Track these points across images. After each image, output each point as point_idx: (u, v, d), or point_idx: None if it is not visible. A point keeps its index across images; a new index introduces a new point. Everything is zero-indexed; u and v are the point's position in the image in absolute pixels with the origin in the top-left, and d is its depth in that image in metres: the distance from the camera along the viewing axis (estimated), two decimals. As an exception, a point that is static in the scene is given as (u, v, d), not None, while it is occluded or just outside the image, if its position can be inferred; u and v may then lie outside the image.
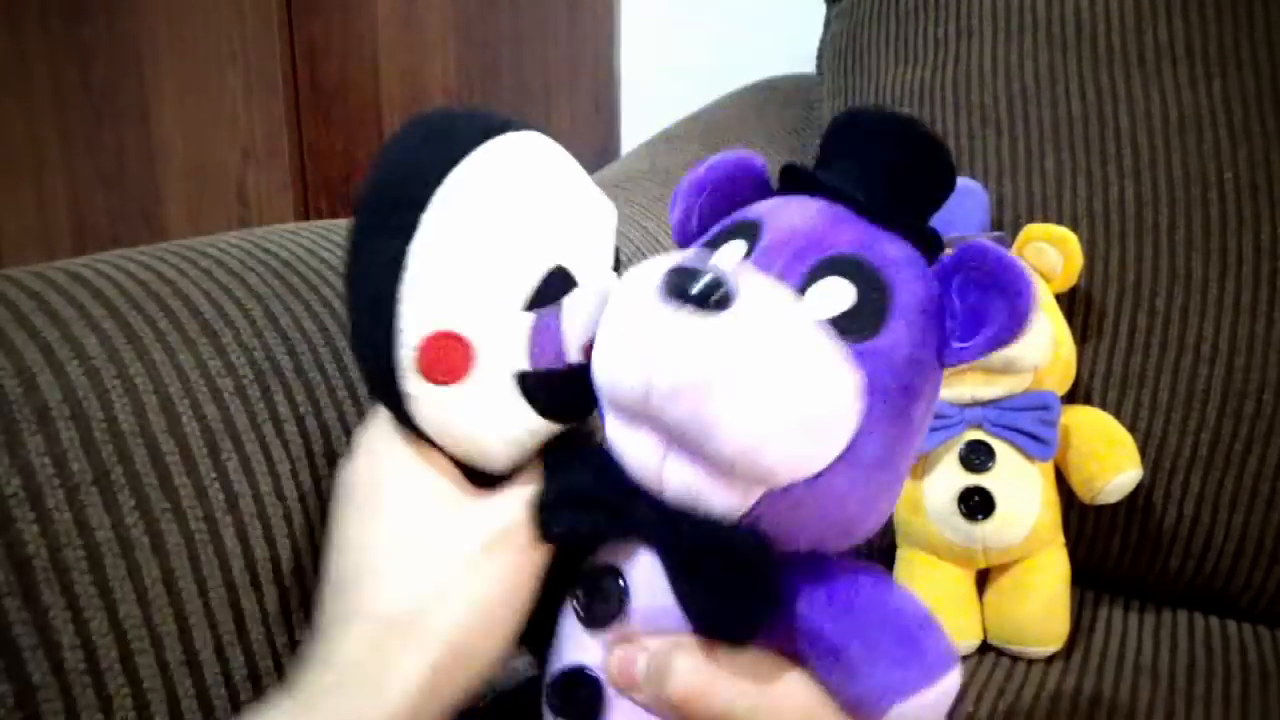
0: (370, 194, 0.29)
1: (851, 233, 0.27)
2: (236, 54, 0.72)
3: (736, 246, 0.28)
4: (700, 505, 0.26)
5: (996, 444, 0.52)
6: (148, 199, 0.80)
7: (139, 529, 0.29)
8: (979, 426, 0.52)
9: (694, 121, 0.82)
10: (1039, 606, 0.53)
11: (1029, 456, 0.52)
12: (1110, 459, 0.54)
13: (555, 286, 0.29)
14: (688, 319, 0.24)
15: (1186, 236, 0.57)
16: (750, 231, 0.28)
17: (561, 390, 0.29)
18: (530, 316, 0.28)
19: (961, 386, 0.52)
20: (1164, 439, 0.58)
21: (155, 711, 0.28)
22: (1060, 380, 0.56)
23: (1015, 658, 0.53)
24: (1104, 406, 0.58)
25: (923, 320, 0.26)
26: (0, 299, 0.30)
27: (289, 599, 0.32)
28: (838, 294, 0.26)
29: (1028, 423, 0.52)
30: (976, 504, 0.52)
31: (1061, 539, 0.55)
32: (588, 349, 0.28)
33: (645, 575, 0.28)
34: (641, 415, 0.25)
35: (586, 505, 0.28)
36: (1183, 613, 0.58)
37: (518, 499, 0.29)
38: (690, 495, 0.26)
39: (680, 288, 0.24)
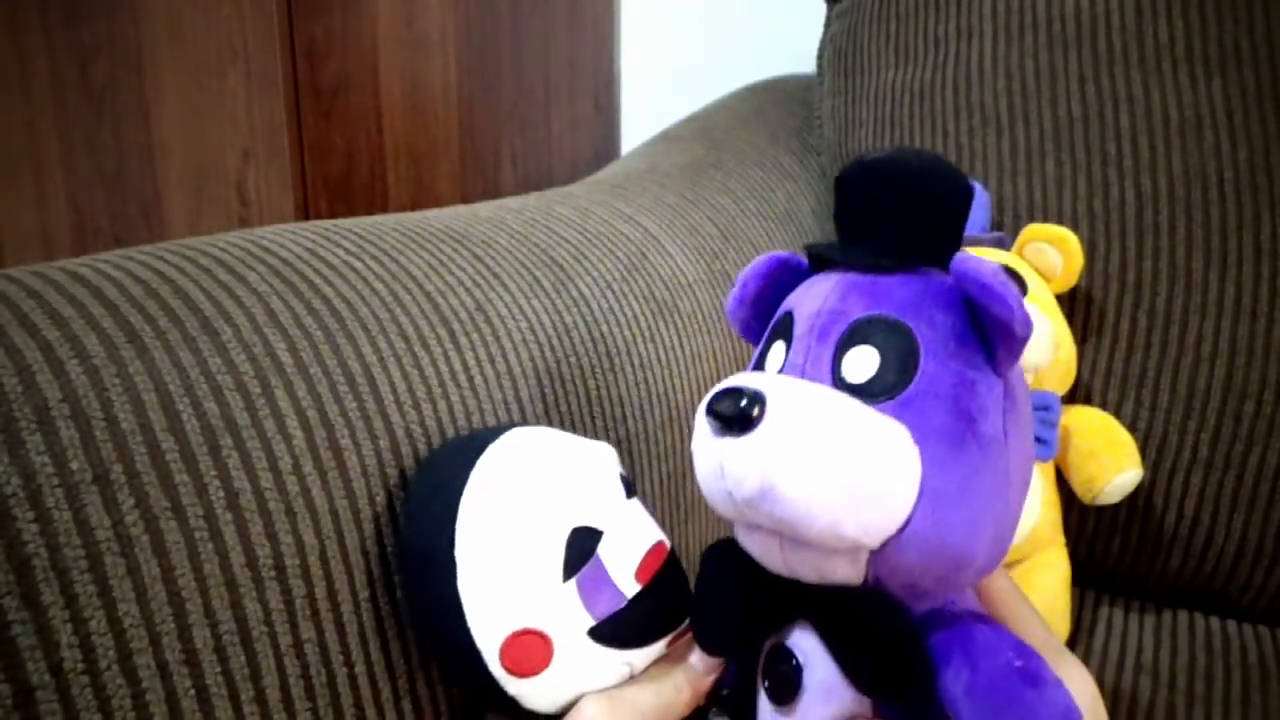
0: (406, 549, 0.34)
1: (862, 297, 0.29)
2: (236, 54, 0.72)
3: (779, 349, 0.30)
4: (829, 579, 0.28)
5: (997, 444, 0.52)
6: (148, 199, 0.80)
7: (138, 528, 0.29)
8: (979, 426, 0.52)
9: (694, 121, 0.82)
10: (1039, 606, 0.53)
11: (1029, 456, 0.52)
12: (1110, 459, 0.54)
13: (582, 543, 0.32)
14: (735, 442, 0.26)
15: (1186, 236, 0.58)
16: (786, 327, 0.31)
17: (634, 622, 0.32)
18: (572, 583, 0.32)
19: (962, 386, 0.52)
20: (1164, 439, 0.58)
21: (154, 711, 0.28)
22: (1060, 380, 0.56)
23: (1015, 658, 0.53)
24: (1104, 406, 0.58)
25: (957, 345, 0.28)
26: (0, 298, 0.30)
27: (291, 597, 0.32)
28: (863, 361, 0.28)
29: (1028, 423, 0.52)
30: (977, 504, 0.52)
31: (1062, 539, 0.55)
32: (639, 573, 0.32)
33: (815, 650, 0.29)
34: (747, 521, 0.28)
35: (733, 620, 0.31)
36: (1183, 613, 0.58)
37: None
38: (818, 574, 0.28)
39: (720, 416, 0.27)
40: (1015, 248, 0.57)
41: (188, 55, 0.74)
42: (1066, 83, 0.62)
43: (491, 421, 0.42)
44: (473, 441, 0.35)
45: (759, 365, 0.31)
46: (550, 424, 0.45)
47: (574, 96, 1.02)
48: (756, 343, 0.34)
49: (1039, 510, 0.53)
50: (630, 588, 0.32)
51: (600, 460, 0.35)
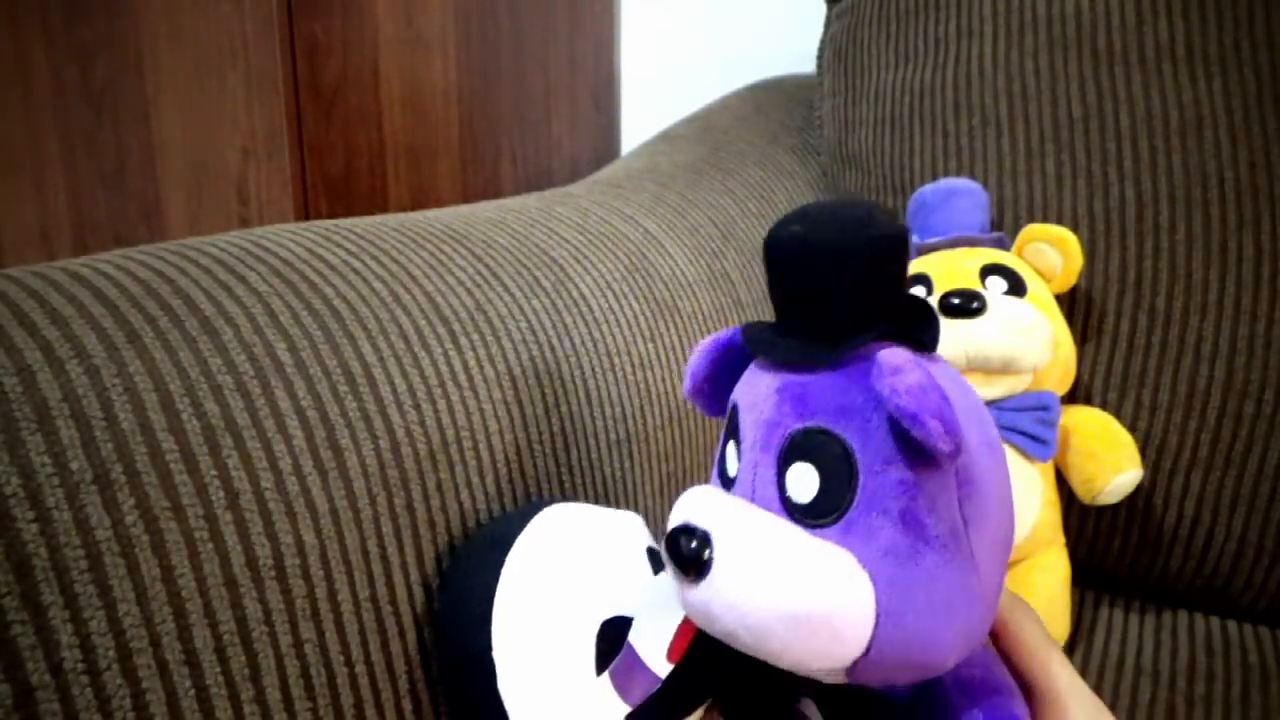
0: (443, 654, 0.36)
1: (796, 404, 0.28)
2: (236, 54, 0.72)
3: (733, 451, 0.30)
4: (813, 676, 0.28)
5: (997, 444, 0.52)
6: (148, 199, 0.80)
7: (139, 528, 0.29)
8: (979, 426, 0.52)
9: (694, 121, 0.82)
10: (1039, 607, 0.53)
11: (1028, 457, 0.52)
12: (1110, 459, 0.54)
13: (613, 634, 0.33)
14: (692, 588, 0.27)
15: (1186, 236, 0.57)
16: (734, 425, 0.30)
17: (669, 700, 0.33)
18: (605, 676, 0.32)
19: (961, 386, 0.52)
20: (1164, 439, 0.58)
21: (154, 711, 0.28)
22: (1060, 380, 0.56)
23: (1015, 658, 0.53)
24: (1104, 406, 0.58)
25: (896, 446, 0.26)
26: (0, 298, 0.30)
27: (291, 597, 0.32)
28: (805, 481, 0.27)
29: (1027, 423, 0.52)
30: (977, 504, 0.52)
31: (1062, 539, 0.55)
32: (670, 652, 0.32)
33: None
34: None
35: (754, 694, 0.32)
36: (1183, 613, 0.58)
37: None
38: (803, 673, 0.28)
39: (675, 562, 0.27)
40: (1015, 248, 0.57)
41: (188, 55, 0.74)
42: (1066, 83, 0.62)
43: (492, 423, 0.42)
44: (500, 533, 0.36)
45: (722, 465, 0.31)
46: (551, 423, 0.45)
47: (574, 96, 1.02)
48: (723, 413, 0.33)
49: (1039, 510, 0.53)
50: (663, 668, 0.32)
51: (627, 537, 0.35)
